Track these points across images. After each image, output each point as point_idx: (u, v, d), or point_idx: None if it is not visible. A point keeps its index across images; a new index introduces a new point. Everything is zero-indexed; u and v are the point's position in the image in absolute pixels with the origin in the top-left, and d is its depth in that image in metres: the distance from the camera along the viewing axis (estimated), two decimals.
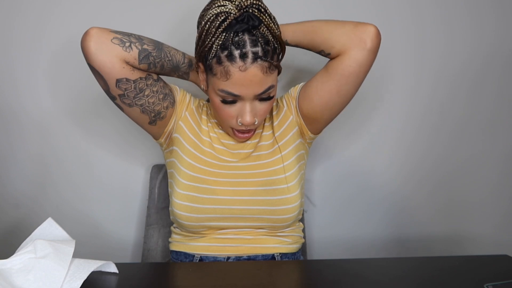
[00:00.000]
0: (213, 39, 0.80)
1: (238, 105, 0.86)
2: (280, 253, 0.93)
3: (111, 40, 0.80)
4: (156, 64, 0.86)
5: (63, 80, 1.15)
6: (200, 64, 0.87)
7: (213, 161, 0.93)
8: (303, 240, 1.00)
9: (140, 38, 0.84)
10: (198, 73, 0.91)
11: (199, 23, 0.87)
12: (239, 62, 0.80)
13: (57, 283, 0.65)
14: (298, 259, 0.99)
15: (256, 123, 0.88)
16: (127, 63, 0.82)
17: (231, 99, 0.85)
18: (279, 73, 0.87)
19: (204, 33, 0.81)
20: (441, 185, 1.28)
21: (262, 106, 0.87)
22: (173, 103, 0.93)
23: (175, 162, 0.94)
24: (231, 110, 0.87)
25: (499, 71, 1.24)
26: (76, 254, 0.72)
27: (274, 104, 0.99)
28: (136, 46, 0.82)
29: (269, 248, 0.93)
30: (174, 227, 0.99)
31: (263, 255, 0.93)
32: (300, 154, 0.97)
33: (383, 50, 1.20)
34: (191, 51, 0.90)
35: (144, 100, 0.87)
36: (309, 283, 0.76)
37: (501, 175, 1.29)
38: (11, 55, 1.13)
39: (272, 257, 0.93)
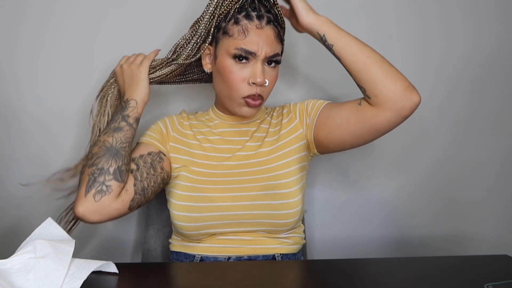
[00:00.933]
0: (231, 4, 0.89)
1: (249, 67, 0.90)
2: (280, 254, 0.93)
3: (95, 200, 0.81)
4: (128, 163, 0.87)
5: (63, 80, 1.15)
6: (208, 46, 0.94)
7: (207, 171, 0.93)
8: (304, 241, 1.00)
9: (100, 168, 0.84)
10: (203, 57, 0.95)
11: None
12: (256, 21, 0.89)
13: (57, 283, 0.65)
14: (298, 259, 0.98)
15: (266, 84, 0.90)
16: (120, 194, 0.85)
17: (245, 58, 0.89)
18: (281, 53, 0.94)
19: (221, 1, 0.89)
20: (441, 185, 1.28)
21: (270, 72, 0.92)
22: (162, 155, 0.94)
23: (172, 181, 0.95)
24: (242, 72, 0.90)
25: (499, 71, 1.24)
26: (76, 254, 0.71)
27: (285, 111, 1.02)
28: (107, 179, 0.83)
29: (270, 248, 0.93)
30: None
31: (263, 256, 0.93)
32: (303, 165, 0.98)
33: (383, 50, 1.20)
34: None
35: (151, 188, 0.91)
36: (309, 283, 0.76)
37: (501, 174, 1.29)
38: (11, 54, 1.13)
39: (273, 257, 0.93)
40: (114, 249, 1.22)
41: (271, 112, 1.04)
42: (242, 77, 0.90)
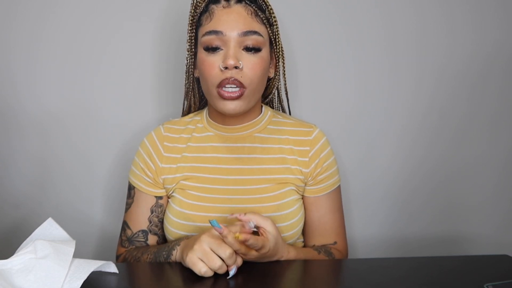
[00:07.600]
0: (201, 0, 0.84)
1: (222, 52, 0.81)
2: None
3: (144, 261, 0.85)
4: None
5: (63, 80, 1.15)
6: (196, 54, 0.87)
7: (200, 194, 0.88)
8: (303, 244, 0.99)
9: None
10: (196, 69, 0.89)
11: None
12: (222, 2, 0.82)
13: (57, 284, 0.65)
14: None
15: (240, 67, 0.80)
16: None
17: (215, 45, 0.81)
18: (271, 43, 0.87)
19: (194, 1, 0.85)
20: (442, 185, 1.28)
21: (249, 58, 0.81)
22: (159, 200, 0.92)
23: (169, 200, 0.93)
24: (214, 58, 0.81)
25: (500, 72, 1.24)
26: (77, 254, 0.71)
27: (303, 138, 0.92)
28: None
29: None
30: None
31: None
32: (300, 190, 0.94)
33: (385, 51, 1.20)
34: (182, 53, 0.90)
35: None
36: (308, 283, 0.76)
37: (502, 175, 1.29)
38: (11, 54, 1.13)
39: None
40: (114, 249, 1.22)
41: (277, 126, 0.94)
42: (214, 64, 0.81)
